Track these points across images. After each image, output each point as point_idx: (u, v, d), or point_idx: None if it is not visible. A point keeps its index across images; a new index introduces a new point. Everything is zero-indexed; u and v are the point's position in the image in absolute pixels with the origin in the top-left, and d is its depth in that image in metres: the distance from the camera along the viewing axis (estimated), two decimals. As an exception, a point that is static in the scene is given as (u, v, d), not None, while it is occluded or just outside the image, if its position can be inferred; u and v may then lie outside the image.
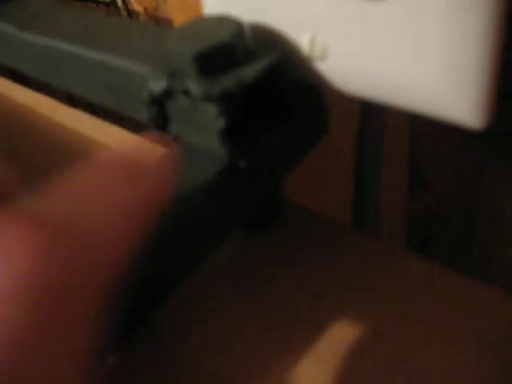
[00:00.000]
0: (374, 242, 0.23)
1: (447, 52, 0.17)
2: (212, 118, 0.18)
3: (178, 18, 0.38)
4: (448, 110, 0.18)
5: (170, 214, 0.15)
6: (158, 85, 0.19)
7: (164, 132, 0.21)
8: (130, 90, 0.21)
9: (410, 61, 0.18)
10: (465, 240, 0.35)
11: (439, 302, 0.21)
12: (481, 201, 0.33)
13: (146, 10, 0.41)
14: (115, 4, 0.43)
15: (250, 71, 0.18)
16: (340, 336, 0.20)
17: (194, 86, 0.18)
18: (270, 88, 0.19)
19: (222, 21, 0.19)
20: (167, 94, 0.19)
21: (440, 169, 0.34)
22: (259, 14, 0.21)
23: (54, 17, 0.26)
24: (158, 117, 0.20)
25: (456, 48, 0.17)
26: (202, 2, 0.22)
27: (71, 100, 0.47)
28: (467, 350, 0.19)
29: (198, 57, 0.18)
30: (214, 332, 0.21)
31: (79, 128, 0.31)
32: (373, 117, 0.32)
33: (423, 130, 0.33)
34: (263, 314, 0.21)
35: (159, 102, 0.20)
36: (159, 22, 0.41)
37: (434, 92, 0.18)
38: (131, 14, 0.42)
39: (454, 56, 0.17)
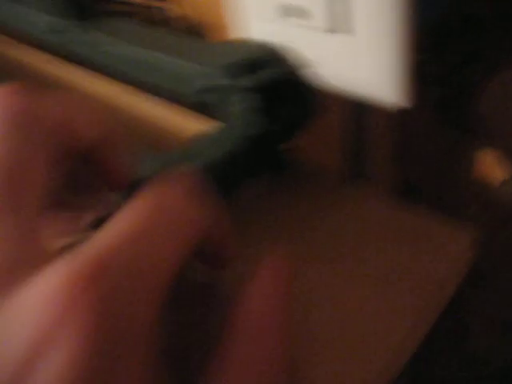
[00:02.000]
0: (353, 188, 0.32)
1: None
2: (254, 102, 0.29)
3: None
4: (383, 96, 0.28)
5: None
6: (209, 80, 0.30)
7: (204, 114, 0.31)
8: (188, 83, 0.32)
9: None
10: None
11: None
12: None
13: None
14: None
15: (270, 75, 0.29)
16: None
17: (246, 81, 0.28)
18: (283, 84, 0.30)
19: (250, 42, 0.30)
20: (216, 87, 0.30)
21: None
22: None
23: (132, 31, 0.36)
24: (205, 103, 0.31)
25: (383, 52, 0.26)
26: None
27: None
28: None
29: (242, 64, 0.28)
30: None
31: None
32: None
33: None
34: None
35: (209, 91, 0.30)
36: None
37: (370, 82, 0.27)
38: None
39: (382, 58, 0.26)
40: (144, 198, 0.16)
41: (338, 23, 0.27)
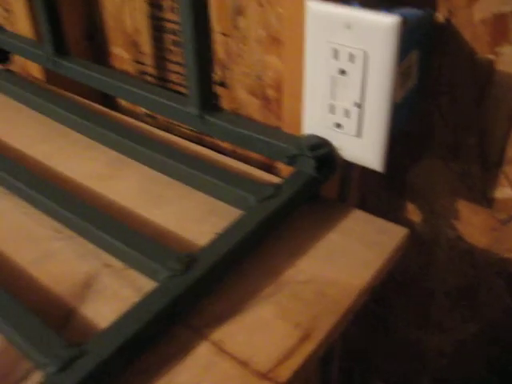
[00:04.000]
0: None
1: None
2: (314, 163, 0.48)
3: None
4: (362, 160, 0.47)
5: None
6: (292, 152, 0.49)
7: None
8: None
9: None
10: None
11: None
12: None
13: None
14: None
15: (321, 152, 0.48)
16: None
17: (311, 154, 0.48)
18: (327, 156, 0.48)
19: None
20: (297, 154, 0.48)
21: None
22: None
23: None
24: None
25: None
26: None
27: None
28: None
29: (310, 145, 0.48)
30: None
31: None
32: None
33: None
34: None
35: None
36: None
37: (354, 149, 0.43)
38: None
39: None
40: None
41: (356, 132, 0.48)
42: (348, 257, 0.45)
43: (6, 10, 0.88)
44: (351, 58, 0.44)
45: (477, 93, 0.49)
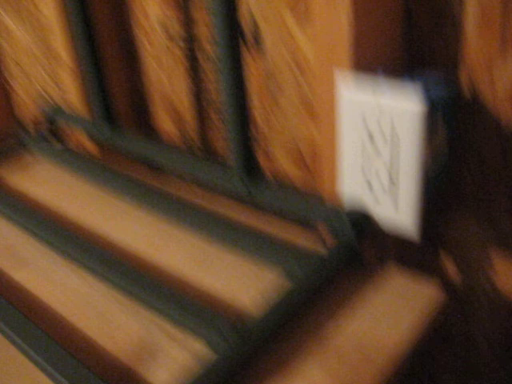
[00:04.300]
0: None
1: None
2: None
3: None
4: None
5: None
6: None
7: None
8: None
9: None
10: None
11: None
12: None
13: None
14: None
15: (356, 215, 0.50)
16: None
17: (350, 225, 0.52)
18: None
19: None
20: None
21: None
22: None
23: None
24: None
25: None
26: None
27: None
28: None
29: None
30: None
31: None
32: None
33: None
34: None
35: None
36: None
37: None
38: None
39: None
40: None
41: (391, 206, 0.52)
42: (391, 318, 0.48)
43: (58, 86, 0.96)
44: (384, 138, 0.48)
45: (503, 151, 0.52)
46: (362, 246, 0.54)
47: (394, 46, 0.53)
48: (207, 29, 0.70)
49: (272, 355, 0.45)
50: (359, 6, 0.48)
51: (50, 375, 0.44)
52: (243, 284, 0.55)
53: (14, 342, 0.48)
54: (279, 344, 0.46)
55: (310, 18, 0.58)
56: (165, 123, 0.85)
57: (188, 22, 0.72)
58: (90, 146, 0.88)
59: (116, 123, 0.79)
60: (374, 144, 0.50)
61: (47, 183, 0.79)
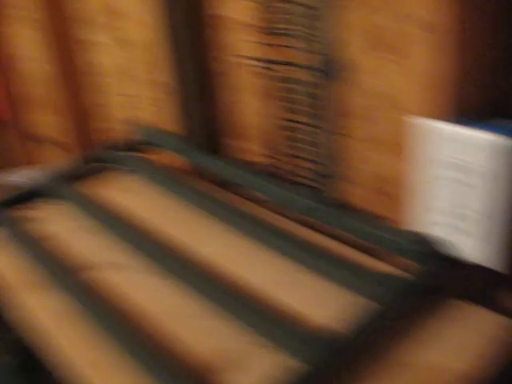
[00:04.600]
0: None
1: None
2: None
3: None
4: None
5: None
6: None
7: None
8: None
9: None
10: None
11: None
12: None
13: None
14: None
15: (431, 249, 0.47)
16: None
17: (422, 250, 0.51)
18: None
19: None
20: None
21: None
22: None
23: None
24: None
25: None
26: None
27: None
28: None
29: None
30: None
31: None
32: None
33: None
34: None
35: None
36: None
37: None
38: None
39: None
40: None
41: (478, 238, 0.54)
42: (469, 352, 0.50)
43: (154, 106, 1.01)
44: (472, 171, 0.51)
45: None
46: (445, 275, 0.55)
47: (482, 92, 0.57)
48: (302, 60, 0.73)
49: (350, 372, 0.48)
50: (464, 51, 0.52)
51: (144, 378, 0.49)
52: (330, 308, 0.57)
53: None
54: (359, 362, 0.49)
55: (408, 54, 0.61)
56: (255, 151, 0.88)
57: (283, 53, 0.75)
58: (180, 166, 0.93)
59: (210, 149, 0.83)
60: (461, 176, 0.52)
61: (142, 200, 0.85)
